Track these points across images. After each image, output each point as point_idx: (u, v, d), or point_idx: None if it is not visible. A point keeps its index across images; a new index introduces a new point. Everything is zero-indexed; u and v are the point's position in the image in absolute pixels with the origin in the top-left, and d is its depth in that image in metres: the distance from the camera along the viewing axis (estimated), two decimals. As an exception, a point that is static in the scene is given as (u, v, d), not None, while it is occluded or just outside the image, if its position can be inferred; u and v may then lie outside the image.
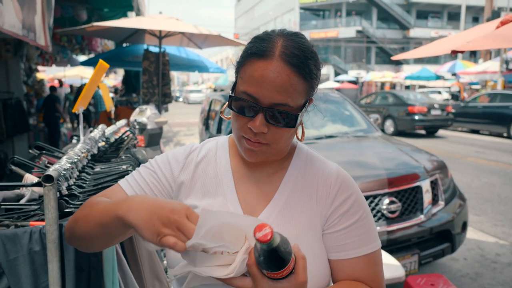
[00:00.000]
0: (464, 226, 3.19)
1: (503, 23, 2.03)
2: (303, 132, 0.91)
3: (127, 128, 2.53)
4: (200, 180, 0.91)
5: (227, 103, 0.83)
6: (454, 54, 2.04)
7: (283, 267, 0.66)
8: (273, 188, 0.88)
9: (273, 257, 0.65)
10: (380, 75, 25.97)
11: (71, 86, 13.47)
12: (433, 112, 12.00)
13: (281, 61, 0.75)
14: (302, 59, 0.77)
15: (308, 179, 0.89)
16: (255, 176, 0.90)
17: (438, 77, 19.95)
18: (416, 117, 11.81)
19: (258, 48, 0.78)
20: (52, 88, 8.76)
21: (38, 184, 1.31)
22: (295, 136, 0.90)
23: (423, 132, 12.85)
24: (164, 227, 0.65)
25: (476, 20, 37.20)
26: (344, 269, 0.85)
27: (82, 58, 10.79)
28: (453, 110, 12.78)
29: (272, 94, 0.76)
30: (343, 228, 0.85)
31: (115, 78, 22.07)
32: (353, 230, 0.85)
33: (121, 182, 0.91)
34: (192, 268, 0.71)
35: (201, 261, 0.70)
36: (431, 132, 12.75)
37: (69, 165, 1.31)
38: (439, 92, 20.57)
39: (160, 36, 5.95)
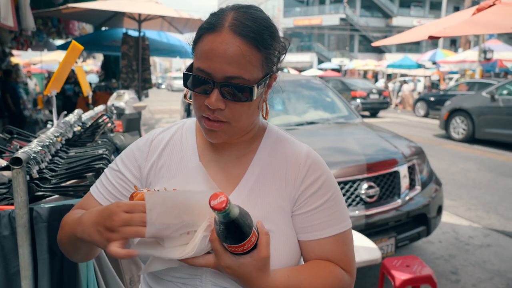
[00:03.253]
0: (440, 210, 3.28)
1: (479, 10, 2.06)
2: (267, 110, 0.88)
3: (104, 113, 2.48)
4: (166, 165, 0.88)
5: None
6: (431, 39, 2.07)
7: (243, 239, 0.66)
8: (241, 171, 0.87)
9: (232, 229, 0.64)
10: (363, 63, 26.13)
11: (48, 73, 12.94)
12: (372, 96, 14.39)
13: (231, 32, 0.73)
14: (254, 28, 0.75)
15: (277, 161, 0.87)
16: (223, 160, 0.88)
17: (420, 66, 20.24)
18: (358, 101, 13.68)
19: (209, 22, 0.76)
20: (7, 73, 7.48)
21: (7, 168, 1.27)
22: (261, 115, 0.88)
23: (366, 113, 14.67)
24: (110, 232, 0.68)
25: (457, 9, 37.73)
26: (313, 250, 0.85)
27: (59, 42, 10.44)
28: (391, 94, 15.90)
29: (223, 67, 0.73)
30: (311, 209, 0.84)
31: (94, 64, 21.50)
32: (321, 211, 0.84)
33: (92, 189, 0.92)
34: (151, 251, 0.69)
35: (168, 243, 0.69)
36: (373, 113, 14.87)
37: (40, 148, 1.27)
38: (418, 81, 20.87)
39: (140, 20, 5.80)
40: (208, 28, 0.76)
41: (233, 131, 0.81)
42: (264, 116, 0.89)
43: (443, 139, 9.45)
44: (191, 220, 0.68)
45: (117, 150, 2.30)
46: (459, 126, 9.10)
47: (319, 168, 0.87)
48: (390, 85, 18.90)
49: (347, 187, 2.84)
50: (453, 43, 35.72)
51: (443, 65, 17.52)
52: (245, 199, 0.84)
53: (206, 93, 0.76)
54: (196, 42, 0.79)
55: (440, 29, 2.06)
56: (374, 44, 3.40)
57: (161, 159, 0.89)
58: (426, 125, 12.08)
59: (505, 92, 8.42)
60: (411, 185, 3.14)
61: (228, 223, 0.64)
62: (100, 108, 2.87)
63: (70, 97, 9.51)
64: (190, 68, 0.80)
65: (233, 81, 0.74)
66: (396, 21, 36.54)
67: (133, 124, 2.78)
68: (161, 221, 0.65)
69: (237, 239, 0.66)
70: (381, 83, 20.52)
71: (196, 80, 0.77)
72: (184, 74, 0.79)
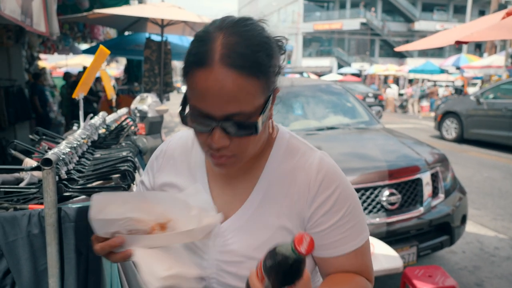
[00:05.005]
0: (464, 219, 3.19)
1: (508, 14, 1.99)
2: (273, 127, 0.83)
3: (128, 116, 2.53)
4: (173, 176, 0.88)
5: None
6: (457, 45, 2.02)
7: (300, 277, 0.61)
8: (248, 187, 0.82)
9: (297, 269, 0.59)
10: (383, 68, 25.74)
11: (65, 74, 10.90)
12: (368, 99, 15.81)
13: (223, 66, 0.64)
14: (249, 55, 0.66)
15: (287, 176, 0.81)
16: (231, 174, 0.84)
17: (442, 71, 19.77)
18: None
19: (196, 54, 0.68)
20: (35, 76, 7.57)
21: (37, 168, 1.31)
22: (272, 125, 0.83)
23: None
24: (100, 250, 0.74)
25: (482, 13, 36.75)
26: (332, 266, 0.82)
27: (84, 46, 10.74)
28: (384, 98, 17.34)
29: (222, 106, 0.66)
30: (327, 228, 0.79)
31: (117, 68, 22.01)
32: (337, 228, 0.79)
33: None
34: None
35: (131, 243, 0.70)
36: None
37: (68, 149, 1.31)
38: (440, 86, 20.45)
39: (162, 25, 5.91)
40: (196, 62, 0.67)
41: (242, 160, 0.76)
42: (271, 132, 0.82)
43: (436, 139, 10.26)
44: (138, 218, 0.69)
45: (140, 153, 2.34)
46: (450, 128, 9.97)
47: (332, 183, 0.80)
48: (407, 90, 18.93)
49: (367, 193, 2.79)
50: (478, 47, 34.79)
51: (467, 70, 17.08)
52: (252, 217, 0.80)
53: (207, 131, 0.70)
54: (186, 73, 0.70)
55: (467, 34, 2.01)
56: (398, 49, 3.35)
57: (172, 169, 0.88)
58: (424, 128, 12.66)
59: (490, 96, 9.10)
60: (434, 193, 3.06)
61: (297, 264, 0.59)
62: (123, 111, 2.93)
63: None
64: (184, 100, 0.73)
65: (235, 117, 0.67)
66: (419, 25, 35.90)
67: (155, 127, 2.83)
68: (104, 216, 0.68)
69: (297, 277, 0.61)
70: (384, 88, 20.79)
71: (194, 119, 0.70)
72: (180, 112, 0.73)
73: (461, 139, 9.62)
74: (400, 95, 20.18)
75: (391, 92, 18.93)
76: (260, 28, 0.71)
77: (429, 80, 20.80)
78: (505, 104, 8.57)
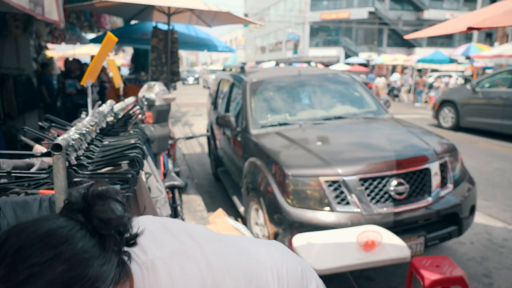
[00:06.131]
0: (472, 209, 3.17)
1: (524, -1, 1.94)
2: None
3: (135, 104, 2.53)
4: None
5: None
6: (470, 31, 1.97)
7: None
8: None
9: None
10: (391, 58, 25.42)
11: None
12: None
13: None
14: None
15: None
16: None
17: (452, 61, 19.48)
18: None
19: None
20: (43, 66, 7.44)
21: (47, 154, 1.32)
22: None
23: None
24: None
25: (494, 1, 35.98)
26: None
27: (91, 36, 10.74)
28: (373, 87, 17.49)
29: None
30: None
31: (124, 57, 22.01)
32: None
33: None
34: None
35: None
36: None
37: (78, 136, 1.31)
38: (450, 76, 20.21)
39: (169, 13, 5.87)
40: None
41: None
42: None
43: (434, 127, 10.38)
44: None
45: (148, 141, 2.34)
46: (447, 116, 10.27)
47: None
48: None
49: (375, 183, 2.78)
50: (489, 36, 34.12)
51: (478, 60, 16.78)
52: None
53: None
54: None
55: (480, 20, 1.96)
56: (407, 36, 3.29)
57: None
58: (428, 118, 12.48)
59: (486, 85, 9.35)
60: (443, 183, 3.04)
61: None
62: (130, 99, 2.93)
63: (71, 96, 7.11)
64: None
65: None
66: (428, 14, 35.26)
67: (162, 116, 2.83)
68: None
69: None
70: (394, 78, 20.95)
71: None
72: None
73: (457, 127, 9.88)
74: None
75: (381, 81, 19.74)
76: (50, 255, 0.49)
77: (419, 71, 21.20)
78: (499, 93, 8.81)
